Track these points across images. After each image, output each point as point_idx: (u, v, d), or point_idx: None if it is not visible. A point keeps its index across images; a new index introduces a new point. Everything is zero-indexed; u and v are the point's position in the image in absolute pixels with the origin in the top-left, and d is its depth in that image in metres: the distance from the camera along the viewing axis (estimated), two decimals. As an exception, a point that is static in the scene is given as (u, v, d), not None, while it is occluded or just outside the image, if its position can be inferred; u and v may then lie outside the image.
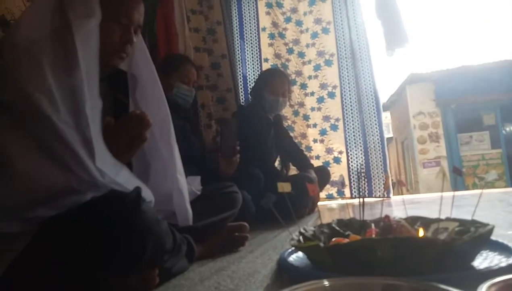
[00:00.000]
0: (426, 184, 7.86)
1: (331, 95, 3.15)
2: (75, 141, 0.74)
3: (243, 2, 3.28)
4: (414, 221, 1.00)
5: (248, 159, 1.98)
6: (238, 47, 3.20)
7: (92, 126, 0.78)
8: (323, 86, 3.17)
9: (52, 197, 0.73)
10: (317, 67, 3.19)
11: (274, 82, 2.33)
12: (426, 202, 2.68)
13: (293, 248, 0.98)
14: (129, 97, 1.01)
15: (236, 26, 3.24)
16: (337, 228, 1.02)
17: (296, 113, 3.22)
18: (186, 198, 1.06)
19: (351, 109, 3.07)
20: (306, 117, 3.20)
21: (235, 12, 3.27)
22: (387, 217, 0.94)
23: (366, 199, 2.86)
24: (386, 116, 10.66)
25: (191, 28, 2.61)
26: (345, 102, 3.09)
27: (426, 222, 0.97)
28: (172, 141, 1.05)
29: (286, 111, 3.22)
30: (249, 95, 2.73)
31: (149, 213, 0.78)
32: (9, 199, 0.70)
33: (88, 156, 0.75)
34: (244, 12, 3.27)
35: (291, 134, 3.18)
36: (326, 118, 3.15)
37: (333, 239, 0.92)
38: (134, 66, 1.03)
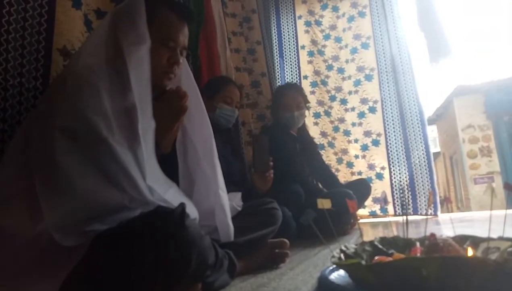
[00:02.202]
0: (478, 201, 7.38)
1: (372, 110, 3.10)
2: (128, 161, 0.80)
3: (282, 22, 3.35)
4: (462, 240, 0.95)
5: (285, 175, 1.98)
6: (277, 65, 3.25)
7: (144, 146, 0.84)
8: (363, 101, 3.14)
9: (107, 213, 0.79)
10: (357, 83, 3.17)
11: (286, 97, 2.32)
12: (478, 221, 2.53)
13: (334, 266, 0.97)
14: None
15: (276, 45, 3.31)
16: (380, 246, 0.99)
17: (336, 129, 3.20)
18: (228, 214, 1.09)
19: (393, 124, 3.00)
20: (347, 133, 3.17)
21: (275, 32, 3.34)
22: (433, 235, 0.91)
23: (411, 217, 2.76)
24: (432, 130, 10.23)
25: (232, 49, 2.69)
26: (387, 117, 3.03)
27: (475, 241, 0.93)
28: (215, 159, 1.09)
29: (327, 127, 3.20)
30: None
31: (193, 228, 0.81)
32: (69, 216, 0.76)
33: (140, 175, 0.81)
34: (283, 32, 3.34)
35: (332, 150, 3.15)
36: (367, 133, 3.10)
37: (376, 257, 0.90)
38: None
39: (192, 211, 0.90)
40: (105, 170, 0.79)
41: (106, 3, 1.49)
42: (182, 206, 0.82)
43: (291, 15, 3.36)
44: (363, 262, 0.86)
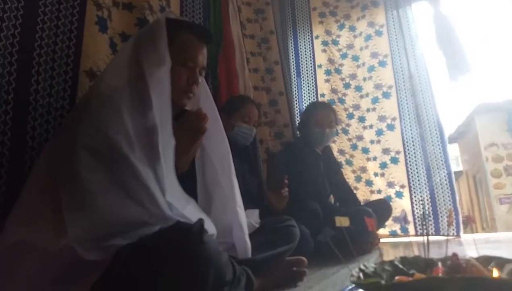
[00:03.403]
0: (504, 221, 7.11)
1: (390, 127, 3.07)
2: (148, 178, 0.82)
3: (300, 42, 3.40)
4: (487, 261, 0.92)
5: (304, 194, 1.96)
6: (295, 84, 3.28)
7: (164, 162, 0.86)
8: (381, 118, 3.11)
9: (128, 229, 0.81)
10: (375, 100, 3.15)
11: (319, 114, 2.33)
12: (504, 242, 2.44)
13: (353, 285, 0.95)
14: None
15: (293, 65, 3.35)
16: (401, 266, 0.97)
17: (354, 147, 3.17)
18: (246, 231, 1.09)
19: (413, 141, 2.96)
20: (365, 151, 3.14)
21: (292, 52, 3.39)
22: (455, 255, 0.88)
23: (433, 238, 2.67)
24: (454, 149, 10.00)
25: (250, 69, 2.74)
26: (406, 134, 2.99)
27: (501, 263, 0.90)
28: (232, 176, 1.11)
29: (344, 145, 3.18)
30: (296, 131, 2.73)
31: (210, 244, 0.82)
32: (91, 230, 0.79)
33: (159, 191, 0.83)
34: (301, 51, 3.38)
35: (350, 168, 3.12)
36: (386, 151, 3.06)
37: (396, 278, 0.88)
38: (198, 105, 1.12)
39: (210, 227, 0.91)
40: (126, 186, 0.82)
41: (130, 26, 1.55)
42: (200, 221, 0.83)
43: (308, 35, 3.40)
44: (383, 282, 0.84)
